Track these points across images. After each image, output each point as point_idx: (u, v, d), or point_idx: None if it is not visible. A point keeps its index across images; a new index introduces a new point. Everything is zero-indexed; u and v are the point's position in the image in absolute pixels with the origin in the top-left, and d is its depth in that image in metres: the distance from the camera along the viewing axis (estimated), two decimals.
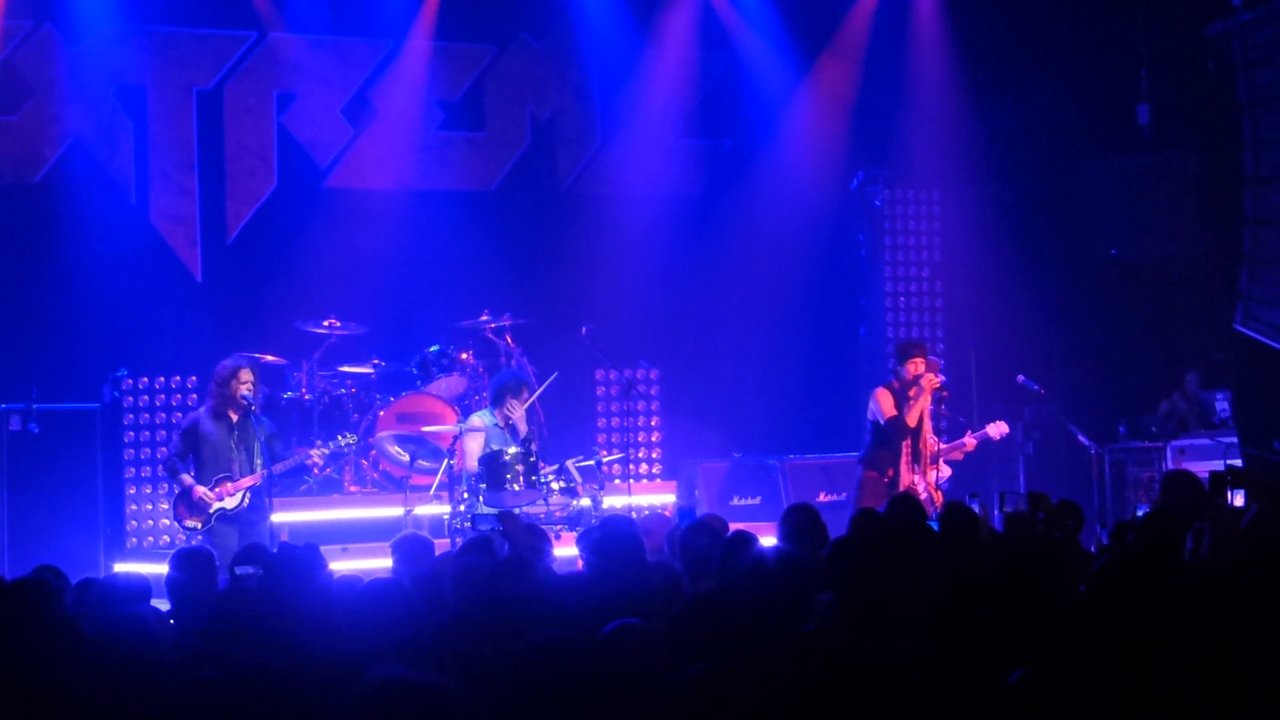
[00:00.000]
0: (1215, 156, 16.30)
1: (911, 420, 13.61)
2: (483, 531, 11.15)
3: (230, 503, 12.75)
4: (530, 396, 13.98)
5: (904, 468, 13.68)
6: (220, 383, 12.90)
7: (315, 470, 14.21)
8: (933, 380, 13.66)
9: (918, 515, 8.97)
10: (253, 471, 12.83)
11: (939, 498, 13.54)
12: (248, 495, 12.79)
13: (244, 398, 12.79)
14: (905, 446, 13.64)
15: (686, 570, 8.04)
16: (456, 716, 4.22)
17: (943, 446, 14.03)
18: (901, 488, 13.46)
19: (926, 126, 17.92)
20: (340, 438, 13.51)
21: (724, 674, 4.83)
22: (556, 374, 14.64)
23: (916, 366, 13.71)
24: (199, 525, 12.74)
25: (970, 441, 14.37)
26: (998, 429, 14.39)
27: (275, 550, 9.24)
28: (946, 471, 14.04)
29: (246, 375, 12.89)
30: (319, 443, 13.60)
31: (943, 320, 18.47)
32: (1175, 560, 7.68)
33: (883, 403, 13.73)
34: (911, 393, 13.63)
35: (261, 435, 12.81)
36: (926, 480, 13.71)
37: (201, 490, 12.71)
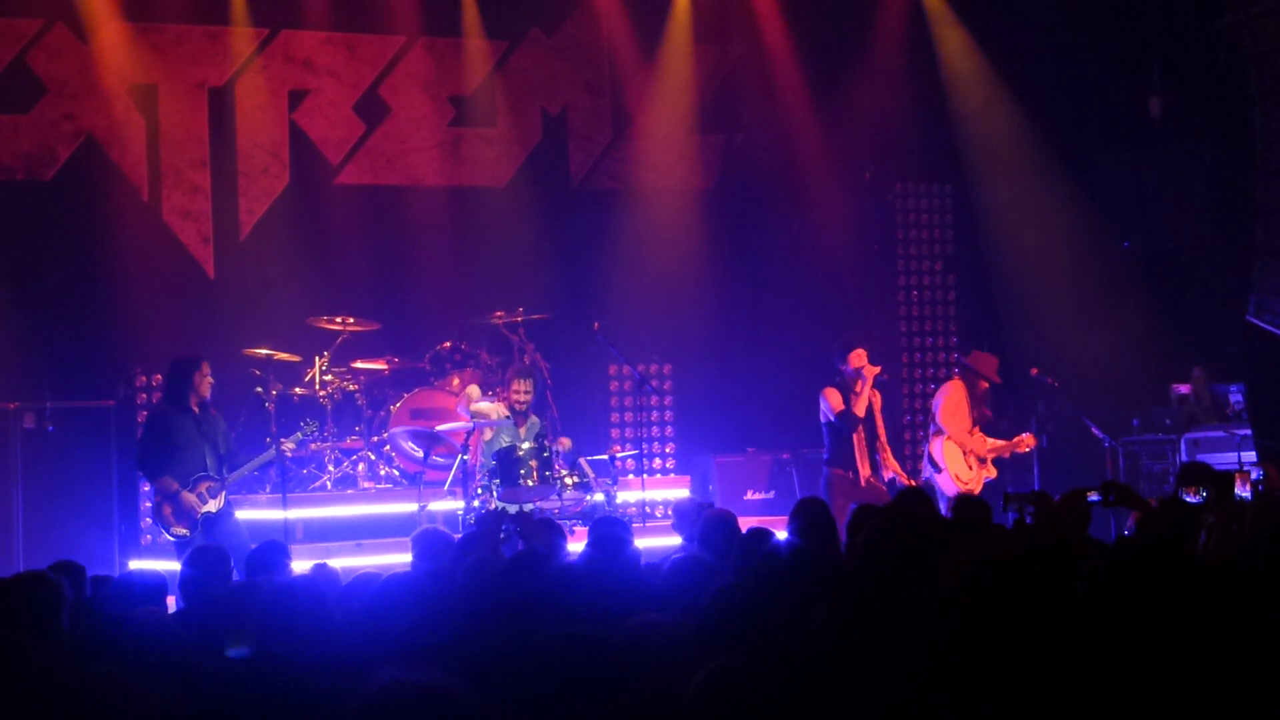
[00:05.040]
0: (1227, 148, 16.29)
1: (859, 411, 13.84)
2: (477, 528, 11.16)
3: (214, 506, 12.45)
4: (526, 384, 13.96)
5: (860, 460, 13.88)
6: (183, 375, 12.61)
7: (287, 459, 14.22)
8: (874, 370, 13.94)
9: (929, 509, 8.96)
10: (220, 468, 12.55)
11: (914, 485, 13.72)
12: (224, 495, 12.58)
13: (206, 394, 12.57)
14: (859, 439, 13.85)
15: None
16: (463, 717, 4.22)
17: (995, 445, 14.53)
18: (860, 481, 13.70)
19: (939, 120, 17.92)
20: (304, 424, 13.40)
21: (744, 669, 4.83)
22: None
23: (860, 358, 13.94)
24: (187, 533, 12.35)
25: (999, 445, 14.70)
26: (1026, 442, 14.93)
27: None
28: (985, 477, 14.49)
29: (207, 369, 12.66)
30: (282, 439, 13.28)
31: (955, 314, 18.49)
32: (1189, 551, 7.69)
33: (831, 399, 13.96)
34: (857, 386, 13.86)
35: (223, 431, 12.70)
36: (890, 469, 14.03)
37: (191, 498, 12.36)
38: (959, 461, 14.52)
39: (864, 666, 5.22)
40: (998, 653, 5.31)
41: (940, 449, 14.58)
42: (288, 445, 13.09)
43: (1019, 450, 14.85)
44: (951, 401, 14.73)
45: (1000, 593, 5.90)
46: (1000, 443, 14.82)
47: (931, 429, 14.83)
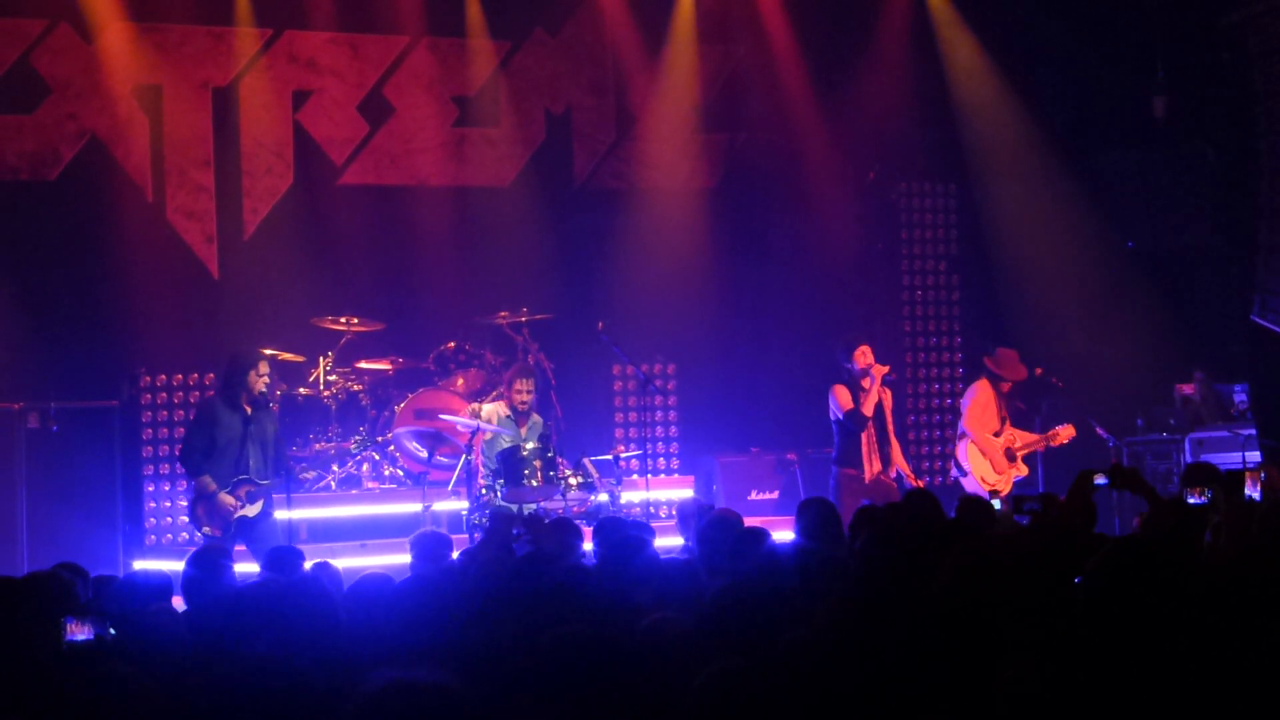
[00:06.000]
0: (1231, 148, 16.27)
1: (868, 410, 13.84)
2: (493, 525, 11.17)
3: (252, 510, 12.35)
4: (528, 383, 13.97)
5: (869, 459, 13.88)
6: (237, 373, 12.47)
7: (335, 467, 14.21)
8: (881, 369, 13.94)
9: (934, 510, 8.96)
10: (266, 471, 12.44)
11: (921, 485, 13.72)
12: (263, 500, 12.49)
13: (261, 392, 12.44)
14: (867, 438, 13.85)
15: (704, 564, 8.05)
16: (463, 717, 4.21)
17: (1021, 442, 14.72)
18: (868, 479, 13.72)
19: (943, 119, 17.91)
20: (354, 440, 13.39)
21: (748, 670, 4.83)
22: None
23: (865, 356, 13.95)
24: (218, 534, 12.23)
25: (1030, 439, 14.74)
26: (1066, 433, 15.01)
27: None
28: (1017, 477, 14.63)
29: (265, 368, 12.53)
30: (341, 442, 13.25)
31: (960, 313, 18.47)
32: (1196, 549, 7.69)
33: (840, 397, 13.96)
34: (864, 383, 13.88)
35: (273, 433, 12.61)
36: (901, 468, 14.08)
37: (228, 500, 12.24)
38: (983, 464, 14.55)
39: (867, 666, 5.22)
40: (998, 651, 5.30)
41: (965, 452, 14.64)
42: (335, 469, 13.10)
43: (1054, 444, 14.88)
44: (978, 404, 14.72)
45: (999, 591, 5.90)
46: (1033, 438, 14.84)
47: (958, 431, 14.90)
